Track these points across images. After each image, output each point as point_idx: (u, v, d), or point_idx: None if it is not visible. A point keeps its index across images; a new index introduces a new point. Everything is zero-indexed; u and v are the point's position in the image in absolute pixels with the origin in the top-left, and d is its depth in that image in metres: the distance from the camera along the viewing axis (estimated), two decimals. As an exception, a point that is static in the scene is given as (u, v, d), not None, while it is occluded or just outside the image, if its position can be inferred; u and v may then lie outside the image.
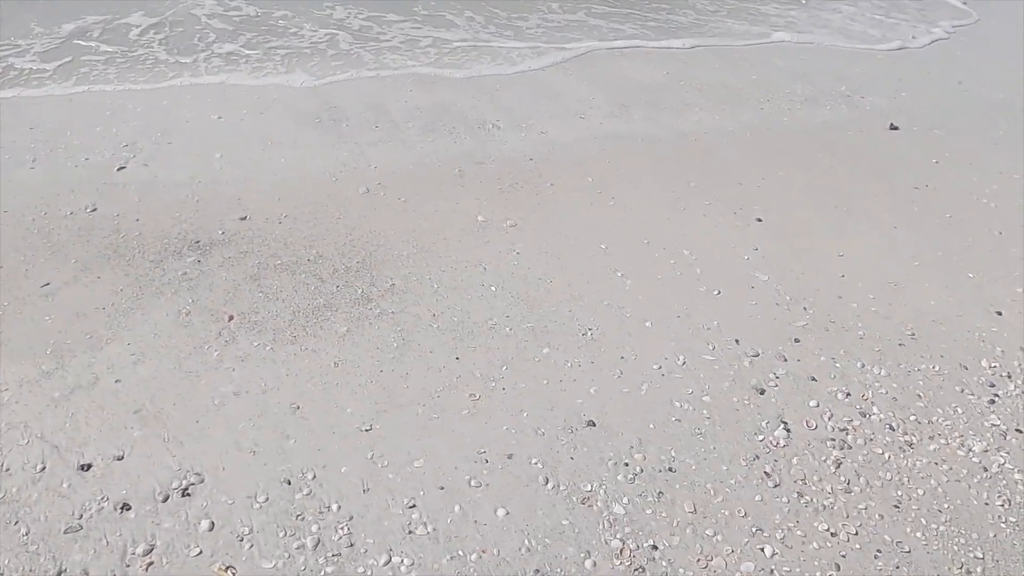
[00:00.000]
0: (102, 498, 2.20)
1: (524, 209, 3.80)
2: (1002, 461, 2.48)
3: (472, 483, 2.31)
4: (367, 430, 2.48)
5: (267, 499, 2.23)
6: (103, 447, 2.37)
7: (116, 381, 2.62)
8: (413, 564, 2.06)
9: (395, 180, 4.02)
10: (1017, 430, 2.61)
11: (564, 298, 3.15)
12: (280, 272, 3.23)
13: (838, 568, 2.11)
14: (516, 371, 2.75)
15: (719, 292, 3.25)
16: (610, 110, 5.09)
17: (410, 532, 2.15)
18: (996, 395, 2.76)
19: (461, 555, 2.10)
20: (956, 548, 2.19)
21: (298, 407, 2.56)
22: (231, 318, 2.95)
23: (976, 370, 2.88)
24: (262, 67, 5.45)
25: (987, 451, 2.52)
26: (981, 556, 2.16)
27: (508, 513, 2.22)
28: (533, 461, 2.39)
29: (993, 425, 2.63)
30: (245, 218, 3.59)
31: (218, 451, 2.37)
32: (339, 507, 2.21)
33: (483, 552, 2.11)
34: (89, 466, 2.30)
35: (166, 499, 2.21)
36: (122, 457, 2.34)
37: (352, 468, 2.34)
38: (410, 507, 2.22)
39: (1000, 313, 3.21)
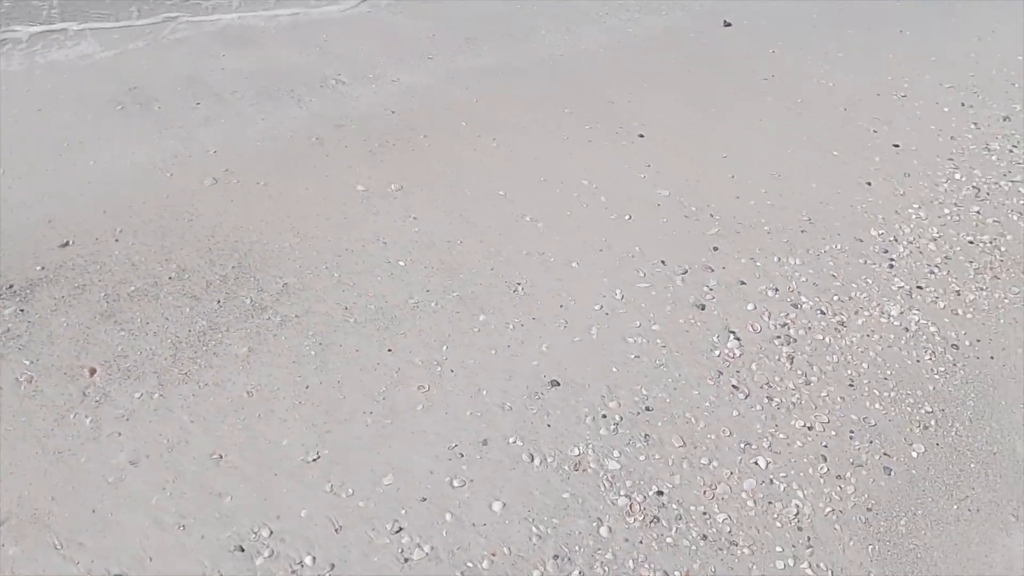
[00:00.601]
0: (-6, 648, 1.68)
1: (405, 169, 3.43)
2: (916, 318, 2.71)
3: (455, 483, 2.07)
4: (314, 459, 2.12)
5: (221, 577, 1.83)
6: (-30, 582, 1.80)
7: (-42, 492, 1.99)
8: (422, 594, 1.82)
9: (244, 163, 3.43)
10: (918, 287, 2.86)
11: (481, 256, 2.91)
12: (139, 300, 2.63)
13: (825, 459, 2.18)
14: (458, 348, 2.50)
15: (630, 216, 3.17)
16: (456, 45, 4.73)
17: (406, 560, 1.88)
18: (892, 259, 3.00)
19: (471, 566, 1.88)
20: (909, 409, 2.35)
21: (220, 456, 2.12)
22: (93, 371, 2.36)
23: (869, 240, 3.10)
24: (15, 48, 4.35)
25: (903, 313, 2.73)
26: (931, 410, 2.35)
27: (504, 504, 2.02)
28: (511, 440, 2.19)
29: (899, 287, 2.85)
30: (67, 243, 2.87)
31: (136, 538, 1.90)
32: (314, 559, 1.88)
33: (493, 555, 1.91)
34: (-41, 613, 1.74)
35: (86, 620, 1.74)
36: (3, 587, 1.80)
37: (313, 509, 1.99)
38: (396, 532, 1.94)
39: (870, 184, 3.48)
